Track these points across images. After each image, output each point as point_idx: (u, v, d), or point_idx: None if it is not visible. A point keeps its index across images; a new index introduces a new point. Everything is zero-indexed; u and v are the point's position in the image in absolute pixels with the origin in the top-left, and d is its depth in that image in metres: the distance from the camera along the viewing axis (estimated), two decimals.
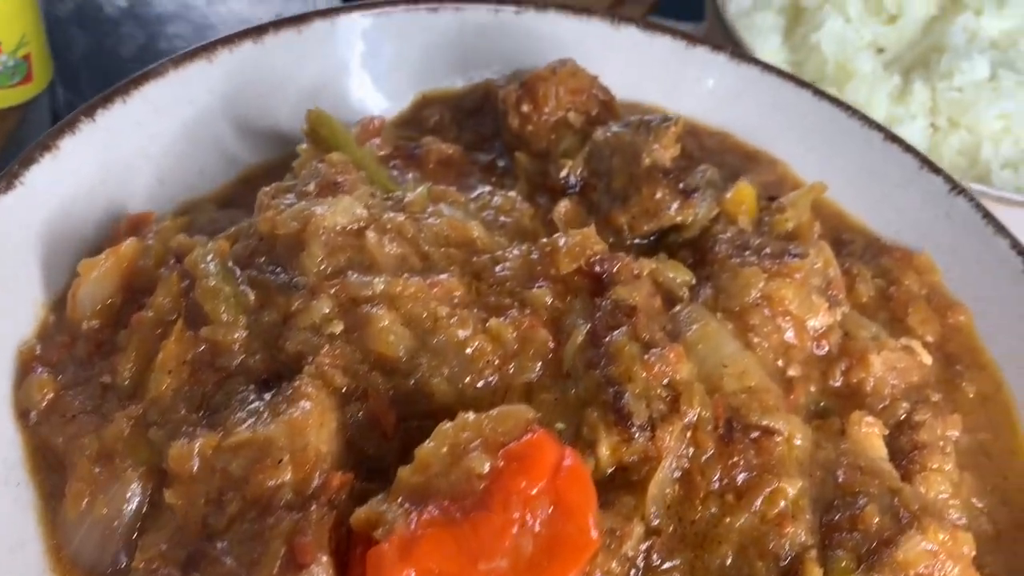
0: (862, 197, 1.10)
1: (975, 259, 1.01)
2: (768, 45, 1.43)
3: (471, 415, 0.71)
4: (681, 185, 0.96)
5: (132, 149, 0.97)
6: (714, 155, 1.15)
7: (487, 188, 1.04)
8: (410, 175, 1.03)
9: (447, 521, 0.66)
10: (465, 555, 0.66)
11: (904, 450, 0.85)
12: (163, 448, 0.73)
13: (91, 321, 0.84)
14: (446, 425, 0.70)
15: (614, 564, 0.70)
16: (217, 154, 1.04)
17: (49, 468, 0.77)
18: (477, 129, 1.14)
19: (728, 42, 1.36)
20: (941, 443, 0.86)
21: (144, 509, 0.75)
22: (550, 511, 0.68)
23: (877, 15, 1.47)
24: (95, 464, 0.75)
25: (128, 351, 0.80)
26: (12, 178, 0.86)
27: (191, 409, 0.77)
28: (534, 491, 0.68)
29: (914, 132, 1.34)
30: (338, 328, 0.80)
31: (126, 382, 0.80)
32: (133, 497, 0.74)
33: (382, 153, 1.04)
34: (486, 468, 0.68)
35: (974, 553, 0.74)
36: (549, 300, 0.85)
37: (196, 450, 0.71)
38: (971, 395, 0.93)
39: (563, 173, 1.01)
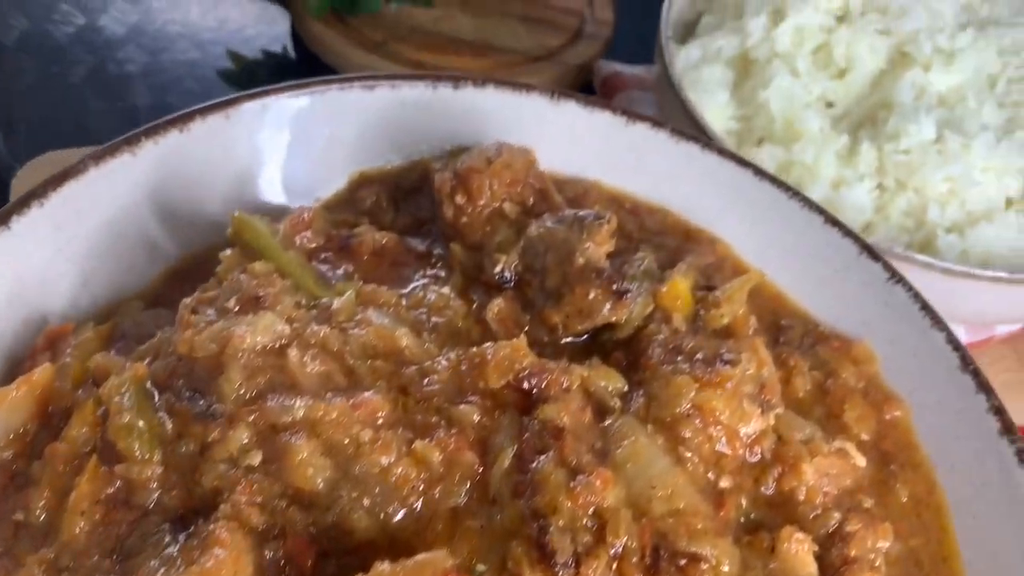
0: (802, 280, 1.09)
1: (912, 351, 1.00)
2: (715, 100, 1.41)
3: (387, 566, 0.70)
4: (614, 287, 0.94)
5: (52, 253, 0.94)
6: (654, 235, 1.13)
7: (421, 282, 1.02)
8: (341, 269, 1.01)
9: None
10: None
11: (834, 565, 0.85)
12: None
13: (4, 451, 0.81)
14: None
15: None
16: (144, 249, 1.01)
17: None
18: (414, 212, 1.12)
19: (675, 98, 1.34)
20: (871, 556, 0.85)
21: None
22: None
23: (826, 68, 1.45)
24: None
25: (41, 486, 0.78)
26: None
27: (104, 554, 0.75)
28: None
29: (861, 193, 1.33)
30: (256, 459, 0.78)
31: (40, 520, 0.77)
32: None
33: (313, 246, 1.02)
34: None
35: None
36: (477, 418, 0.84)
37: None
38: (904, 499, 0.93)
39: (498, 268, 0.99)
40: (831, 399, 0.99)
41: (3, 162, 1.49)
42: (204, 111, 1.04)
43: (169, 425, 0.80)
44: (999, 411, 0.92)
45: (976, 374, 0.95)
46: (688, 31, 1.63)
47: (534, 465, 0.80)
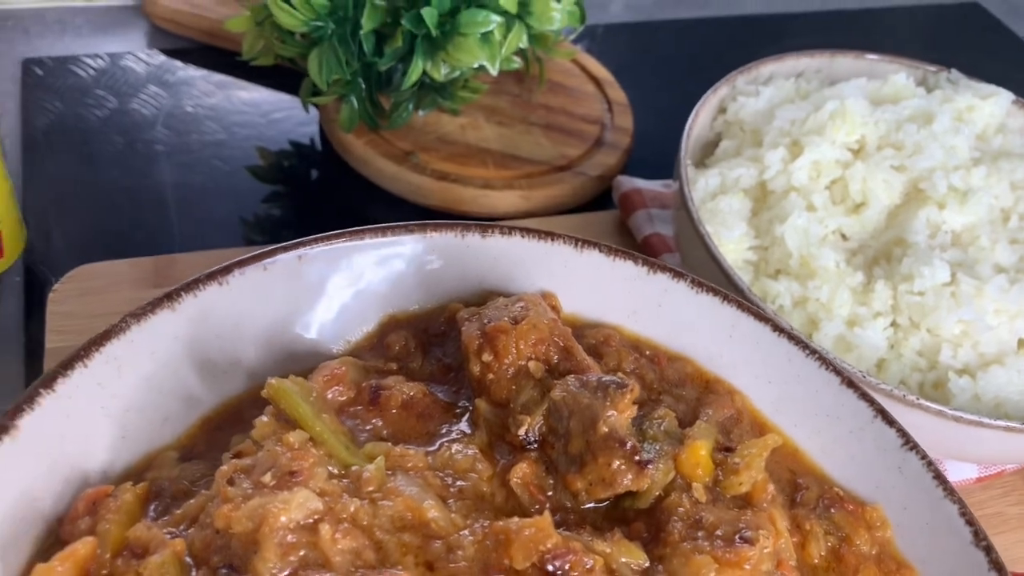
0: (818, 437, 1.12)
1: (925, 521, 1.02)
2: (733, 233, 1.45)
3: None
4: (637, 457, 0.97)
5: (94, 411, 0.97)
6: (674, 386, 1.16)
7: (449, 437, 1.05)
8: (371, 424, 1.04)
9: None
10: None
11: None
12: None
13: None
14: None
15: None
16: (180, 400, 1.05)
17: None
18: (441, 358, 1.15)
19: (693, 232, 1.38)
20: None
21: None
22: None
23: (842, 203, 1.49)
24: None
25: None
26: None
27: None
28: None
29: (876, 332, 1.36)
30: None
31: None
32: None
33: (343, 399, 1.05)
34: None
35: None
36: None
37: None
38: None
39: (522, 431, 1.02)
40: (844, 566, 1.01)
41: (42, 276, 1.53)
42: (242, 263, 1.08)
43: None
44: None
45: (989, 551, 0.97)
46: (708, 151, 1.68)
47: None
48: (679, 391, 1.16)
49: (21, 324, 1.50)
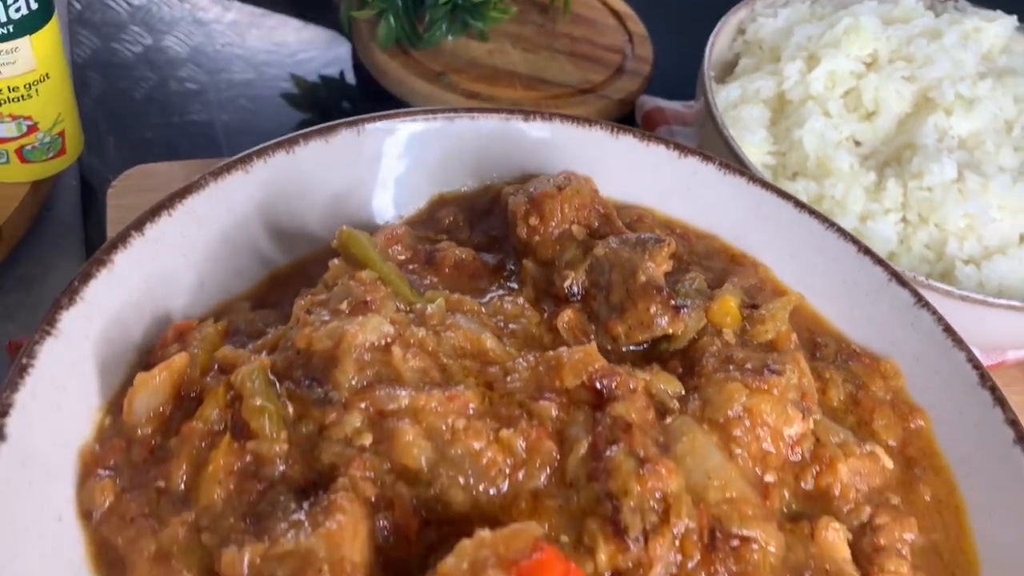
0: (836, 303, 1.21)
1: (935, 369, 1.12)
2: (754, 137, 1.54)
3: (487, 532, 0.81)
4: (673, 302, 1.06)
5: (176, 257, 1.06)
6: (702, 259, 1.25)
7: (497, 293, 1.14)
8: (427, 280, 1.14)
9: None
10: None
11: (865, 552, 0.96)
12: (215, 553, 0.83)
13: (144, 428, 0.93)
14: (466, 542, 0.80)
15: None
16: (252, 256, 1.14)
17: (110, 566, 0.87)
18: (487, 231, 1.24)
19: (716, 134, 1.47)
20: (898, 545, 0.97)
21: None
22: None
23: (856, 111, 1.58)
24: (153, 565, 0.85)
25: (180, 459, 0.90)
26: (73, 294, 0.96)
27: (238, 517, 0.87)
28: None
29: (887, 226, 1.45)
30: (367, 440, 0.90)
31: (179, 488, 0.89)
32: None
33: (402, 258, 1.14)
34: None
35: None
36: (554, 412, 0.96)
37: (246, 559, 0.81)
38: (927, 498, 1.04)
39: (567, 283, 1.11)
40: (862, 409, 1.10)
41: (100, 174, 1.62)
42: (307, 135, 1.17)
43: (291, 409, 0.92)
44: (1014, 423, 1.03)
45: (993, 390, 1.06)
46: (726, 71, 1.76)
47: (607, 454, 0.91)
48: (707, 263, 1.25)
49: (80, 222, 1.59)
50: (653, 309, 1.07)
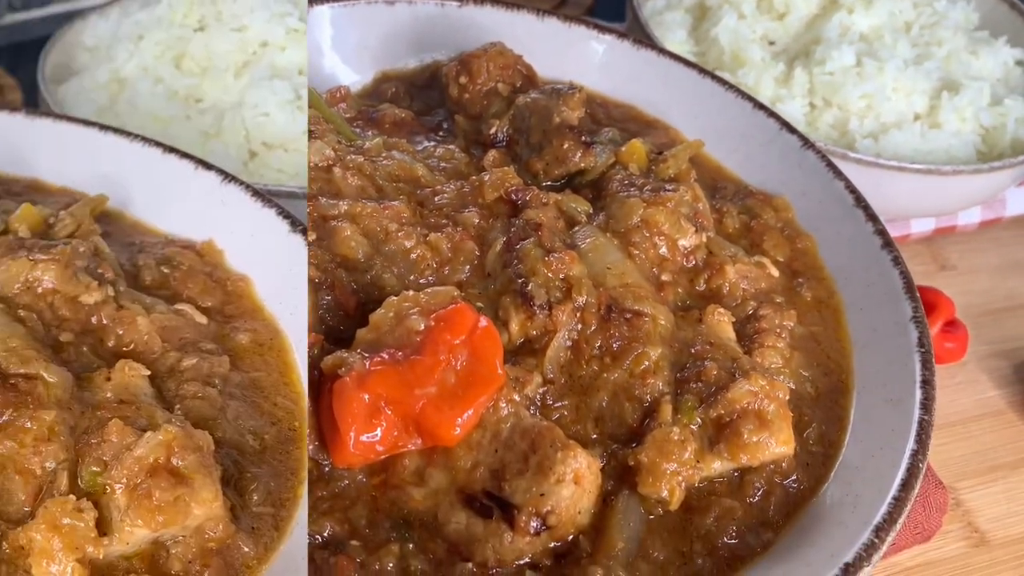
0: (735, 154, 1.36)
1: (819, 199, 1.27)
2: (676, 38, 1.70)
3: (411, 293, 0.96)
4: (584, 138, 1.22)
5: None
6: (619, 122, 1.41)
7: (432, 142, 1.30)
8: (370, 132, 1.29)
9: (392, 362, 0.91)
10: (405, 384, 0.90)
11: (748, 334, 1.11)
12: None
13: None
14: (392, 298, 0.95)
15: (516, 397, 0.95)
16: None
17: None
18: (426, 100, 1.40)
19: (643, 35, 1.62)
20: (778, 329, 1.11)
21: None
22: (468, 356, 0.93)
23: (768, 12, 1.74)
24: None
25: None
26: None
27: None
28: (457, 342, 0.92)
29: (795, 109, 1.61)
30: (311, 237, 1.04)
31: None
32: None
33: (347, 116, 1.29)
34: (421, 326, 0.93)
35: (787, 397, 0.99)
36: (476, 220, 1.11)
37: None
38: (808, 298, 1.18)
39: (492, 130, 1.26)
40: (754, 233, 1.25)
41: None
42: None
43: None
44: (882, 233, 1.18)
45: (866, 208, 1.21)
46: None
47: (519, 247, 1.06)
48: (623, 125, 1.40)
49: None
50: (567, 145, 1.22)
